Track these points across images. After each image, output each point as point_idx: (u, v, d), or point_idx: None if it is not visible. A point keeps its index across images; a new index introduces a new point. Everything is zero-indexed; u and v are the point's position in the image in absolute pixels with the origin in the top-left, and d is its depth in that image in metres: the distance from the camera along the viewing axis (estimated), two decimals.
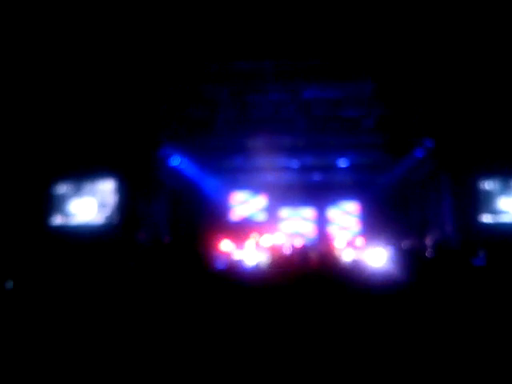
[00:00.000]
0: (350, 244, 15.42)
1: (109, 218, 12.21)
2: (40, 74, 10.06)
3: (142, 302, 4.26)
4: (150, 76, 11.18)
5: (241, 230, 16.93)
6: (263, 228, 17.47)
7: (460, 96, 11.39)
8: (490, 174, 12.24)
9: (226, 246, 14.19)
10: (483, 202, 12.35)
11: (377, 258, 11.50)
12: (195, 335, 3.69)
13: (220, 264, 11.67)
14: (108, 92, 10.91)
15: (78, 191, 12.29)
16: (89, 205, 12.29)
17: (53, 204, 12.08)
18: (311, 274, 4.99)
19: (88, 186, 12.32)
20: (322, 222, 18.75)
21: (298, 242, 15.00)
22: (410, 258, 8.87)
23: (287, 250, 13.00)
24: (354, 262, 11.05)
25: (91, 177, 12.33)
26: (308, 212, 18.82)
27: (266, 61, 10.93)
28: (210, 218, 17.38)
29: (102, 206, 12.29)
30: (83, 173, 12.17)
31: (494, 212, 12.27)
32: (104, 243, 11.20)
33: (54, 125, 11.21)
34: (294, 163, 16.24)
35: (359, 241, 15.77)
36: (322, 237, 17.89)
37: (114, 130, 11.73)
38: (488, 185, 12.34)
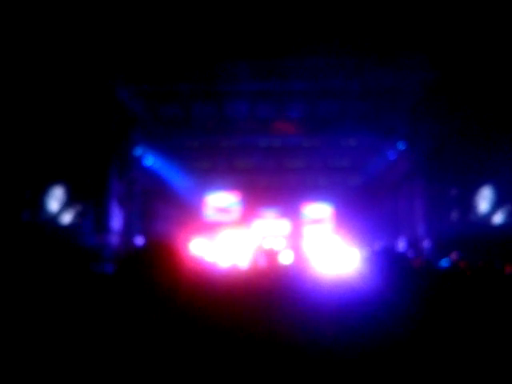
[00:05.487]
0: (323, 245, 15.45)
1: (79, 219, 11.96)
2: None
3: (109, 308, 4.14)
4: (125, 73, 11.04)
5: (214, 230, 16.84)
6: (236, 228, 17.42)
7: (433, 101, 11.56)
8: (461, 177, 12.40)
9: (198, 245, 14.06)
10: (455, 204, 12.52)
11: (350, 259, 11.54)
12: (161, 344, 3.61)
13: (193, 266, 11.55)
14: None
15: (49, 192, 11.97)
16: (59, 204, 12.02)
17: (25, 200, 11.69)
18: (280, 281, 4.96)
19: (58, 187, 12.02)
20: (295, 222, 18.77)
21: (269, 245, 14.95)
22: (384, 260, 8.92)
23: (258, 256, 12.90)
24: (326, 265, 11.03)
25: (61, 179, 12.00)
26: (282, 212, 18.82)
27: (242, 60, 10.89)
28: (183, 218, 17.23)
29: (72, 206, 12.03)
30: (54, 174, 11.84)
31: (466, 214, 12.44)
32: (72, 243, 11.00)
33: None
34: (269, 163, 16.24)
35: (332, 242, 15.82)
36: (295, 239, 17.90)
37: (86, 132, 11.49)
38: (459, 188, 12.52)
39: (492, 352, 3.47)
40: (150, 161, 14.45)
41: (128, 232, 13.27)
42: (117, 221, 12.72)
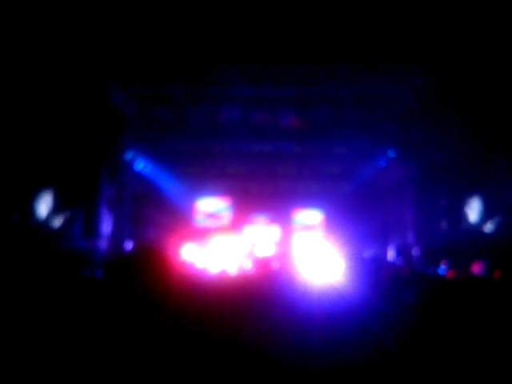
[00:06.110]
0: (313, 252, 15.45)
1: (68, 223, 11.87)
2: None
3: (97, 315, 4.12)
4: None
5: (204, 236, 16.81)
6: (226, 233, 17.40)
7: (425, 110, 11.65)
8: (452, 186, 12.48)
9: (189, 251, 14.04)
10: (444, 213, 12.59)
11: (340, 267, 11.55)
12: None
13: (183, 271, 11.50)
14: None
15: (39, 195, 11.87)
16: (48, 207, 11.92)
17: (15, 204, 11.56)
18: (269, 287, 4.95)
19: (47, 191, 11.92)
20: (286, 228, 18.77)
21: (260, 252, 14.94)
22: (373, 268, 8.95)
23: (248, 262, 12.89)
24: (315, 272, 11.05)
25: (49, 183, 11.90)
26: (272, 218, 18.81)
27: (236, 65, 10.91)
28: (173, 223, 17.18)
29: (61, 209, 11.94)
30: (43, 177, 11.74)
31: (455, 223, 12.51)
32: (61, 247, 10.91)
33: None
34: (260, 169, 16.25)
35: (322, 249, 15.83)
36: (285, 245, 17.89)
37: (73, 137, 11.41)
38: (449, 197, 12.58)
39: (482, 359, 3.49)
40: (141, 165, 14.40)
41: (118, 237, 13.20)
42: (106, 225, 12.65)
